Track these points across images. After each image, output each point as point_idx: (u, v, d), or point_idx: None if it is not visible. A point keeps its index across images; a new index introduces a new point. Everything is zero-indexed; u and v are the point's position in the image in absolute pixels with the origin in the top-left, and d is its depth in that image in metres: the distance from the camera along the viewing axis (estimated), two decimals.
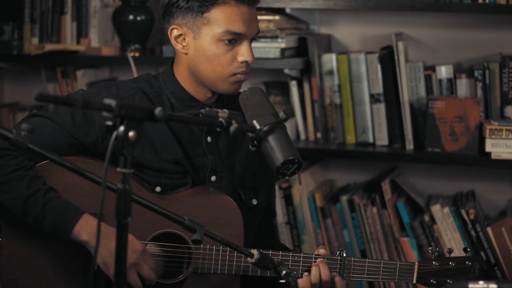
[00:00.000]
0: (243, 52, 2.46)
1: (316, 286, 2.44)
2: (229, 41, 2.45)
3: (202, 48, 2.47)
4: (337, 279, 2.47)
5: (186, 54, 2.50)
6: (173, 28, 2.50)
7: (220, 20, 2.44)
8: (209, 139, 2.56)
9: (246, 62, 2.47)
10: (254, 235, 2.65)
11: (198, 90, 2.54)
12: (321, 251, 2.50)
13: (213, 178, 2.55)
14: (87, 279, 2.39)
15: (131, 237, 2.32)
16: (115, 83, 2.57)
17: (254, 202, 2.62)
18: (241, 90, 2.47)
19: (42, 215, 2.31)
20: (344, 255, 2.49)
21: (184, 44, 2.50)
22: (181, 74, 2.54)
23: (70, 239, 2.32)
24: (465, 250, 2.54)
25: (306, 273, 2.45)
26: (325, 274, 2.45)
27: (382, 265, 2.51)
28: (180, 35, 2.49)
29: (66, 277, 2.41)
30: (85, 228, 2.30)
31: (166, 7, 2.50)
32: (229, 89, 2.50)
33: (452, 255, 2.54)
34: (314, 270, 2.45)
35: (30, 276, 2.41)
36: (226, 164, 2.58)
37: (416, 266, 2.51)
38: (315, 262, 2.47)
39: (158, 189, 2.49)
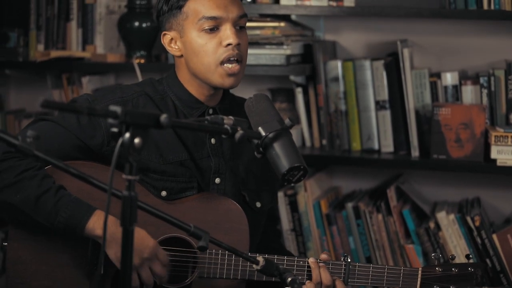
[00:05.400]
0: (226, 36, 2.48)
1: (318, 285, 2.45)
2: (211, 29, 2.47)
3: (189, 44, 2.50)
4: (338, 283, 2.47)
5: (181, 56, 2.54)
6: (164, 34, 2.55)
7: (195, 10, 2.48)
8: (213, 140, 2.57)
9: (230, 45, 2.48)
10: (259, 240, 2.65)
11: (200, 91, 2.55)
12: (323, 256, 2.50)
13: (217, 180, 2.55)
14: (92, 282, 2.39)
15: (143, 233, 2.33)
16: (120, 87, 2.60)
17: (258, 205, 2.62)
18: (246, 98, 2.47)
19: (54, 212, 2.31)
20: (349, 260, 2.50)
21: (176, 47, 2.54)
22: (183, 77, 2.56)
23: (84, 235, 2.32)
24: (467, 256, 2.54)
25: (308, 281, 2.46)
26: (326, 278, 2.45)
27: (386, 270, 2.51)
28: (172, 39, 2.54)
29: (72, 282, 2.42)
30: (99, 223, 2.31)
31: (157, 18, 2.57)
32: (224, 83, 2.50)
33: (457, 261, 2.54)
34: (314, 271, 2.45)
35: (36, 280, 2.41)
36: (230, 166, 2.58)
37: (419, 272, 2.51)
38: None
39: (164, 193, 2.49)
